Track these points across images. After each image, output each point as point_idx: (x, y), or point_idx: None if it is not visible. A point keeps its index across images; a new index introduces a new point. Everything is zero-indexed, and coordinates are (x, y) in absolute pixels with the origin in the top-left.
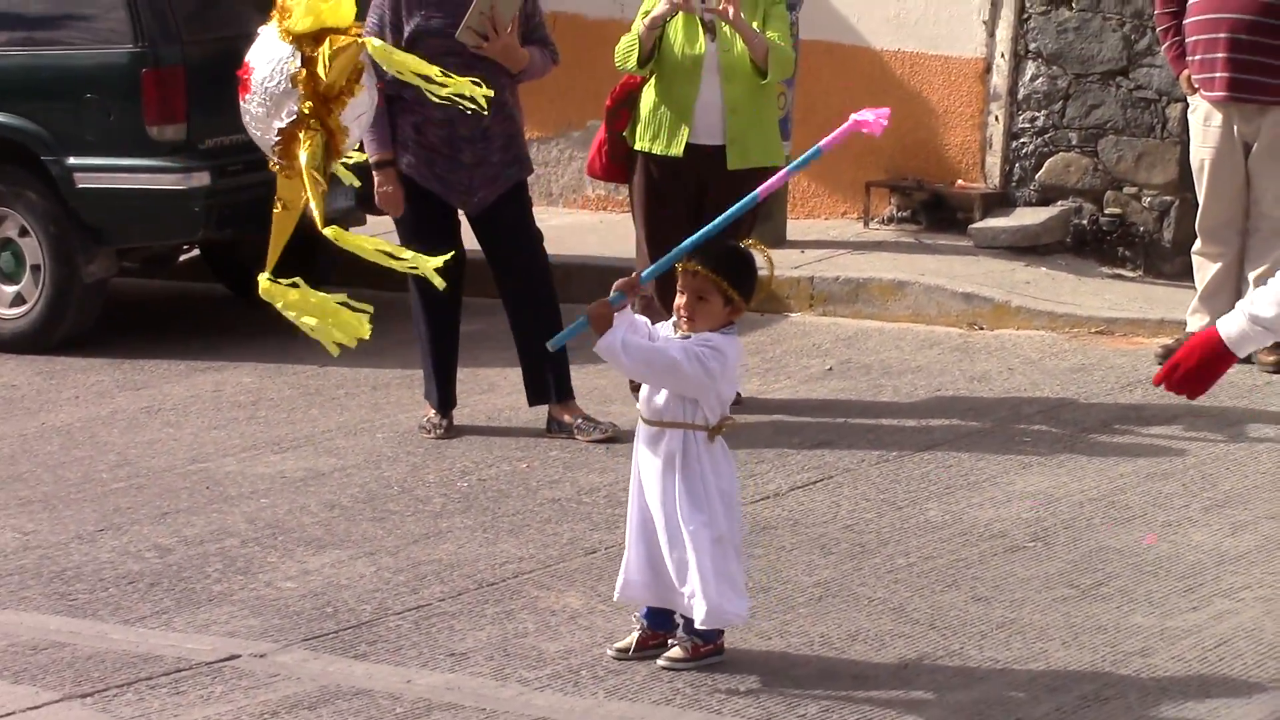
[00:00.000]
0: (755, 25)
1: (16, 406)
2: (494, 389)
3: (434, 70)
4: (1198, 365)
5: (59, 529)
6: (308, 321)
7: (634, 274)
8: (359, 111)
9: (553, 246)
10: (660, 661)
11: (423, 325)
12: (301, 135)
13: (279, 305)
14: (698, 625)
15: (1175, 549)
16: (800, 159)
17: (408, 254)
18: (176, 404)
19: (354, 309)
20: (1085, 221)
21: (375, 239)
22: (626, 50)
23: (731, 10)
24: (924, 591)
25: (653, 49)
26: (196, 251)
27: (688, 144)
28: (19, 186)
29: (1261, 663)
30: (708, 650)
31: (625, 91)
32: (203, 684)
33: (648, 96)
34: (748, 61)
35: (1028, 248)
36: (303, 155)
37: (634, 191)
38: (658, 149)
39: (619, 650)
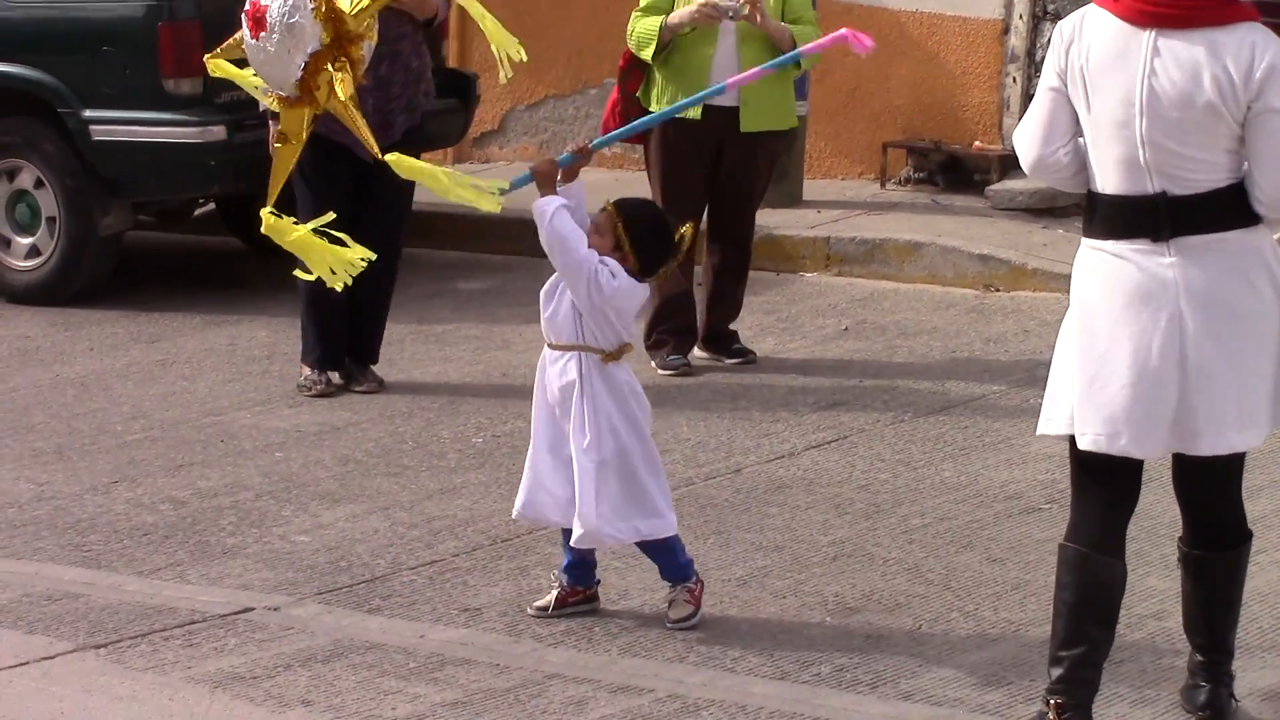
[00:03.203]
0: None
1: (31, 358)
2: (508, 346)
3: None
4: None
5: (73, 480)
6: (308, 257)
7: (586, 141)
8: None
9: None
10: (668, 625)
11: (314, 283)
12: (330, 68)
13: (282, 240)
14: (574, 544)
15: None
16: (781, 59)
17: (469, 181)
18: (191, 357)
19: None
20: None
21: (439, 168)
22: (643, 40)
23: (759, 16)
24: (939, 552)
25: (668, 44)
26: (212, 205)
27: (704, 106)
28: (35, 139)
29: (1277, 626)
30: (699, 590)
31: None
32: (216, 636)
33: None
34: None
35: (1045, 209)
36: (339, 90)
37: (650, 154)
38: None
39: (538, 609)
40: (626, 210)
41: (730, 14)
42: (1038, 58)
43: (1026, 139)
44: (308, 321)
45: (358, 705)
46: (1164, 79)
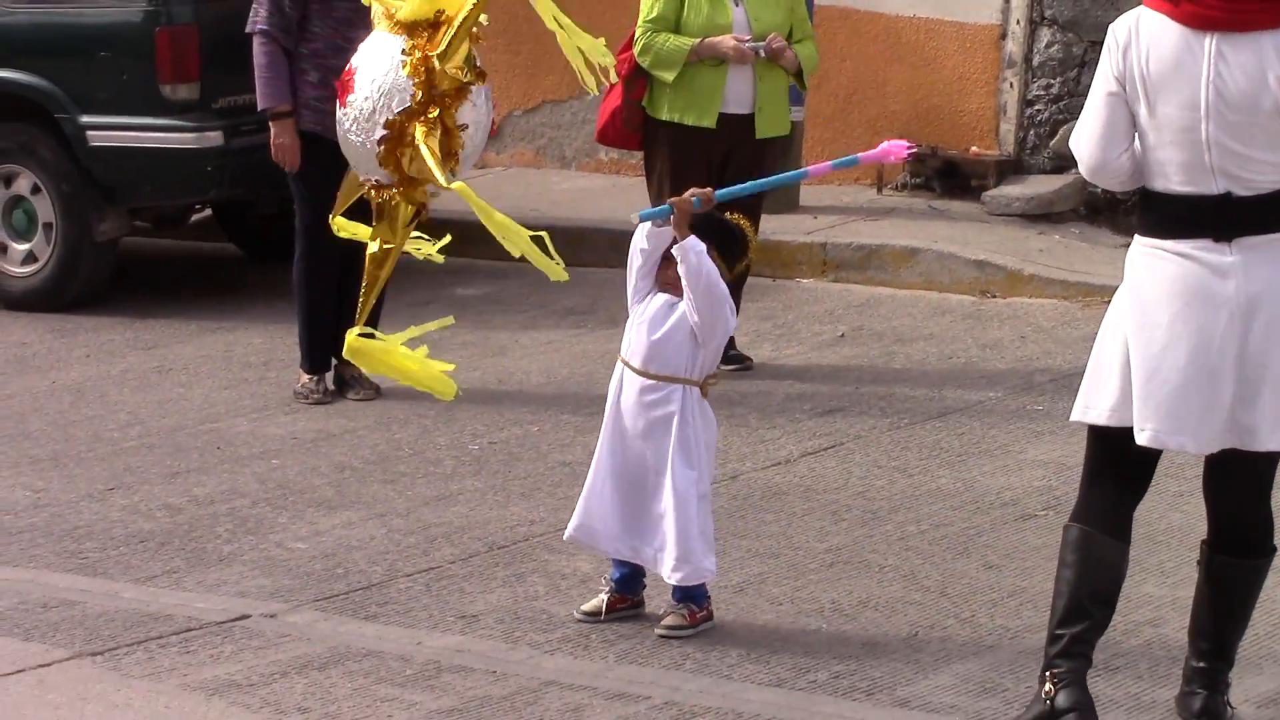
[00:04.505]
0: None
1: (28, 365)
2: (504, 352)
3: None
4: None
5: (69, 487)
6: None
7: (709, 189)
8: (468, 119)
9: (565, 210)
10: (659, 630)
11: (309, 287)
12: (416, 125)
13: (365, 366)
14: (676, 581)
15: (1188, 519)
16: (843, 160)
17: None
18: (187, 363)
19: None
20: (1098, 190)
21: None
22: (667, 60)
23: (788, 55)
24: (935, 559)
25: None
26: (208, 211)
27: (720, 114)
28: (32, 144)
29: (1273, 633)
30: (703, 616)
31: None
32: (213, 643)
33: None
34: (771, 29)
35: (1041, 215)
36: (418, 132)
37: (656, 161)
38: (689, 120)
39: (587, 613)
40: (711, 230)
41: (760, 53)
42: (1035, 63)
43: (1087, 144)
44: (305, 328)
45: (354, 712)
46: (1229, 83)
